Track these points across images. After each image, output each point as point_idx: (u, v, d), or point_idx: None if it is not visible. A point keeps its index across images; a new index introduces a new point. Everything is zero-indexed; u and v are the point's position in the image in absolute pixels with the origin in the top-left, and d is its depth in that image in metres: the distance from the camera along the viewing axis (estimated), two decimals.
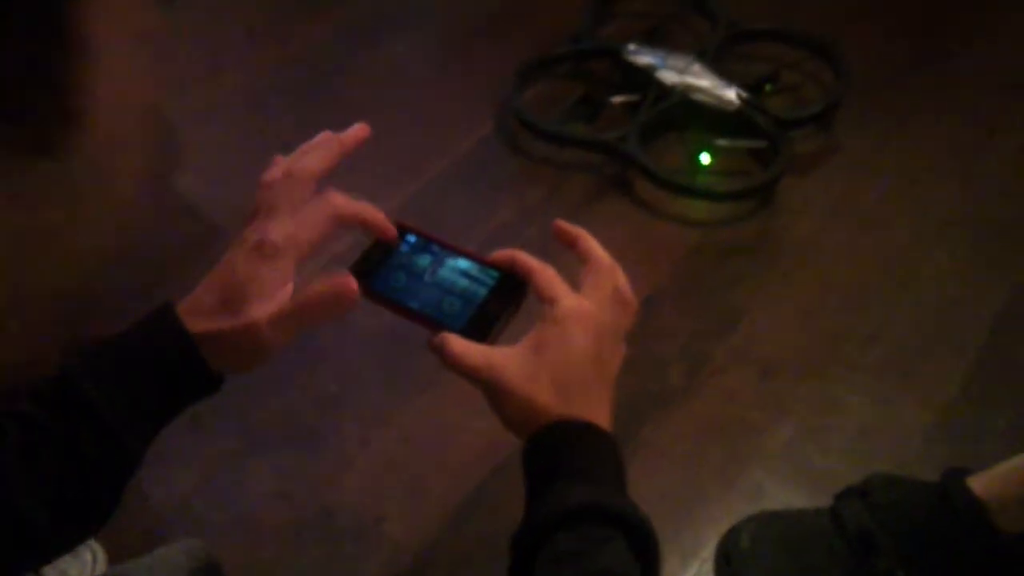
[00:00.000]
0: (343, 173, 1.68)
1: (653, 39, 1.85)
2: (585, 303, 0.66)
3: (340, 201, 0.71)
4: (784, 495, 1.23)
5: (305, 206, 0.69)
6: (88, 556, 1.18)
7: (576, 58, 1.87)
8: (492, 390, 0.65)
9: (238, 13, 2.03)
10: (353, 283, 0.67)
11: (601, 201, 1.64)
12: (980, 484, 0.99)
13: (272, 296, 0.65)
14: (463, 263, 0.72)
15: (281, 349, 0.67)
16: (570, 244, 0.70)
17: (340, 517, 1.25)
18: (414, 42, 1.97)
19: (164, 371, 0.64)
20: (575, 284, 0.69)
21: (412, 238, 0.74)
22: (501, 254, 0.71)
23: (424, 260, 0.73)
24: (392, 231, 0.74)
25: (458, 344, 0.66)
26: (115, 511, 0.63)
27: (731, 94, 1.67)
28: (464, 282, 0.71)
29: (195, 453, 1.31)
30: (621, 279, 0.69)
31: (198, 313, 0.65)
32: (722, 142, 1.67)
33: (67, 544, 0.66)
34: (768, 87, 1.76)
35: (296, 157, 0.75)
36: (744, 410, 1.35)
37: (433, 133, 1.77)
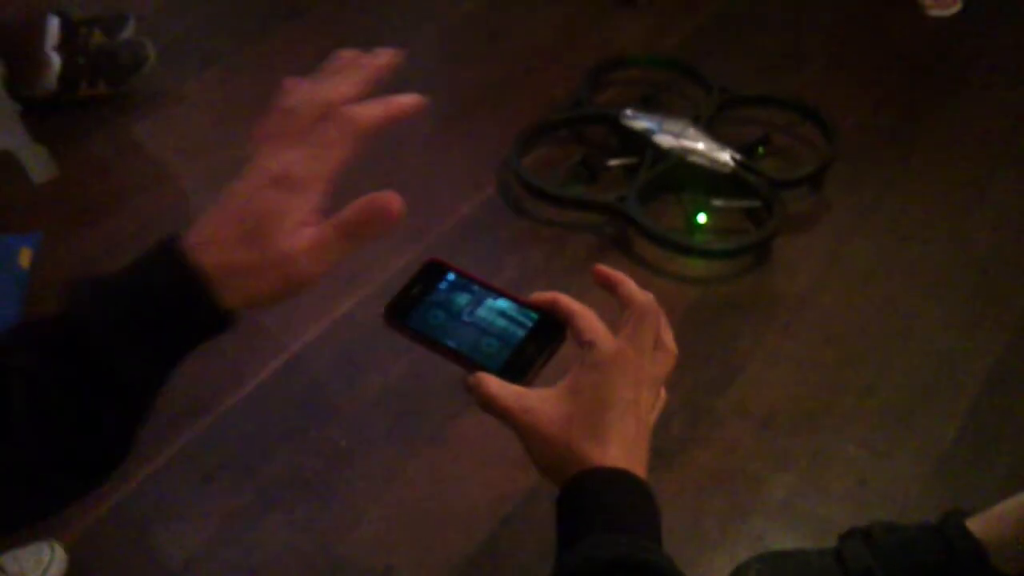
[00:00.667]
0: None
1: (649, 105, 1.91)
2: (625, 348, 0.65)
3: (361, 113, 0.63)
4: (784, 544, 1.25)
5: (321, 128, 0.63)
6: (47, 551, 1.21)
7: (575, 123, 1.93)
8: (527, 433, 0.63)
9: (253, 79, 2.09)
10: (396, 197, 0.62)
11: (602, 260, 1.67)
12: (978, 525, 1.02)
13: (299, 230, 0.60)
14: (502, 303, 0.72)
15: (319, 279, 0.62)
16: (611, 288, 0.69)
17: (350, 569, 1.27)
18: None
19: (170, 307, 0.59)
20: (614, 328, 0.68)
21: (451, 276, 0.74)
22: (541, 295, 0.69)
23: (462, 299, 0.72)
24: (420, 101, 0.68)
25: (494, 384, 0.65)
26: (125, 460, 0.62)
27: (726, 156, 1.73)
28: (502, 322, 0.70)
29: (206, 509, 1.34)
30: (663, 325, 0.68)
31: (211, 244, 0.60)
32: (718, 202, 1.72)
33: (76, 494, 0.64)
34: (760, 150, 1.82)
35: (319, 81, 0.66)
36: (744, 461, 1.38)
37: (438, 196, 1.82)
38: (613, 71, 2.06)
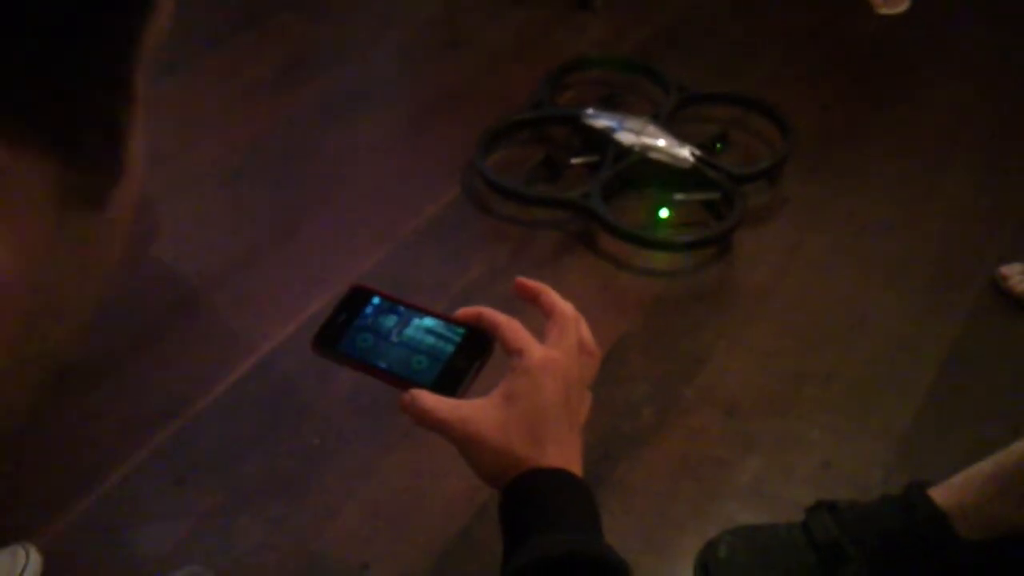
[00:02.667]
0: (323, 233, 1.74)
1: (609, 105, 1.95)
2: (552, 353, 0.67)
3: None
4: None
5: None
6: (22, 555, 1.21)
7: (537, 123, 1.96)
8: (465, 443, 0.65)
9: (213, 88, 2.10)
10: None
11: (568, 256, 1.71)
12: (940, 494, 1.05)
13: None
14: (429, 322, 0.73)
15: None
16: (532, 299, 0.72)
17: (326, 565, 1.28)
18: (382, 114, 2.05)
19: None
20: (540, 336, 0.71)
21: (376, 300, 0.76)
22: (466, 311, 0.72)
23: (389, 321, 0.74)
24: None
25: (428, 399, 0.66)
26: None
27: (685, 152, 1.77)
28: (431, 340, 0.72)
29: (180, 510, 1.34)
30: (584, 329, 0.70)
31: None
32: (679, 197, 1.76)
33: None
34: (719, 146, 1.86)
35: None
36: (712, 447, 1.41)
37: (403, 198, 1.83)
38: (573, 73, 2.09)
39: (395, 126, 2.04)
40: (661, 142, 1.78)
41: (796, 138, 1.86)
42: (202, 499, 1.35)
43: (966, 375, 1.50)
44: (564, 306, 0.70)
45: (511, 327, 0.69)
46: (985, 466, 1.07)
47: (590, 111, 1.87)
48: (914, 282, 1.66)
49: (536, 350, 0.67)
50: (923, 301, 1.63)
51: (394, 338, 0.73)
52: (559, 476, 0.64)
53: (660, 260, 1.69)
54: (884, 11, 2.32)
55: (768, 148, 1.91)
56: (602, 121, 1.84)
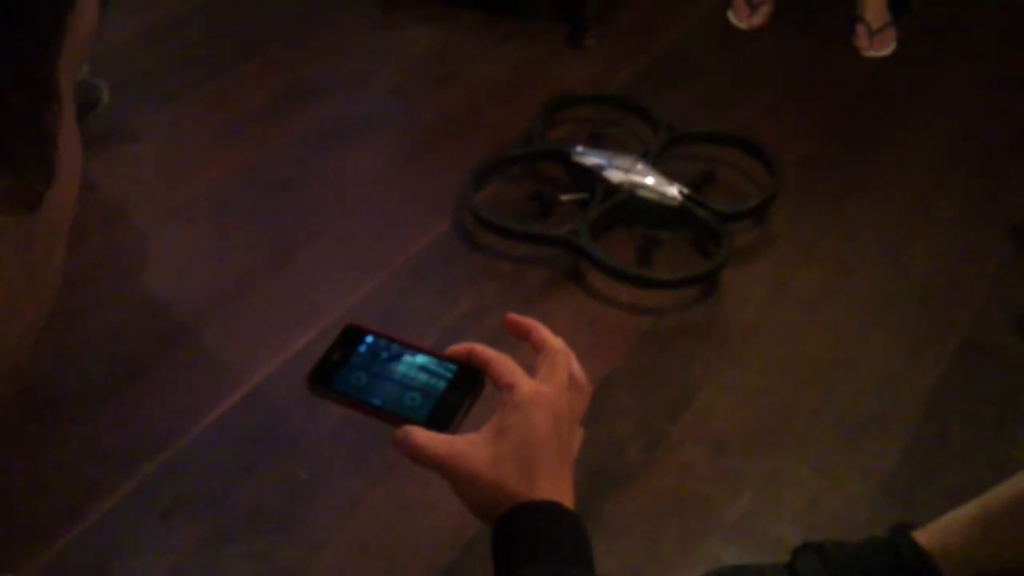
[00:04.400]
0: (313, 265, 1.75)
1: (599, 142, 1.97)
2: (542, 387, 0.68)
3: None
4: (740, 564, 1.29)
5: None
6: None
7: (527, 159, 1.98)
8: (458, 478, 0.66)
9: (207, 118, 2.11)
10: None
11: (556, 292, 1.72)
12: (925, 536, 1.06)
13: None
14: (421, 359, 0.75)
15: None
16: (523, 335, 0.73)
17: None
18: (374, 147, 2.06)
19: None
20: (531, 371, 0.71)
21: (370, 339, 0.77)
22: (457, 347, 0.73)
23: (382, 359, 0.75)
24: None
25: (421, 435, 0.67)
26: None
27: (674, 190, 1.78)
28: (423, 377, 0.73)
29: (166, 545, 1.33)
30: (575, 364, 0.71)
31: None
32: (666, 235, 1.77)
33: None
34: (704, 185, 1.88)
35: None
36: (699, 484, 1.41)
37: (393, 232, 1.84)
38: (564, 109, 2.11)
39: (387, 159, 2.05)
40: (650, 180, 1.80)
41: (782, 176, 1.87)
42: (188, 533, 1.34)
43: (951, 414, 1.51)
44: (554, 341, 0.71)
45: (502, 362, 0.70)
46: (970, 508, 1.08)
47: (579, 148, 1.88)
48: (899, 321, 1.68)
49: (526, 385, 0.68)
50: (908, 340, 1.64)
51: (387, 376, 0.74)
52: (551, 509, 0.65)
53: (648, 297, 1.70)
54: (871, 53, 2.35)
55: (755, 186, 1.93)
56: (592, 158, 1.85)
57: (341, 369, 0.75)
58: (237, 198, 1.92)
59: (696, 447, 1.46)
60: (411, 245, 1.81)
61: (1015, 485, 1.04)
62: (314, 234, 1.82)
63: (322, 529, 1.35)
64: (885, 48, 2.36)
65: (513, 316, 0.74)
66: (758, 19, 2.41)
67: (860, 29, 2.36)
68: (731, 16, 2.44)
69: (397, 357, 0.75)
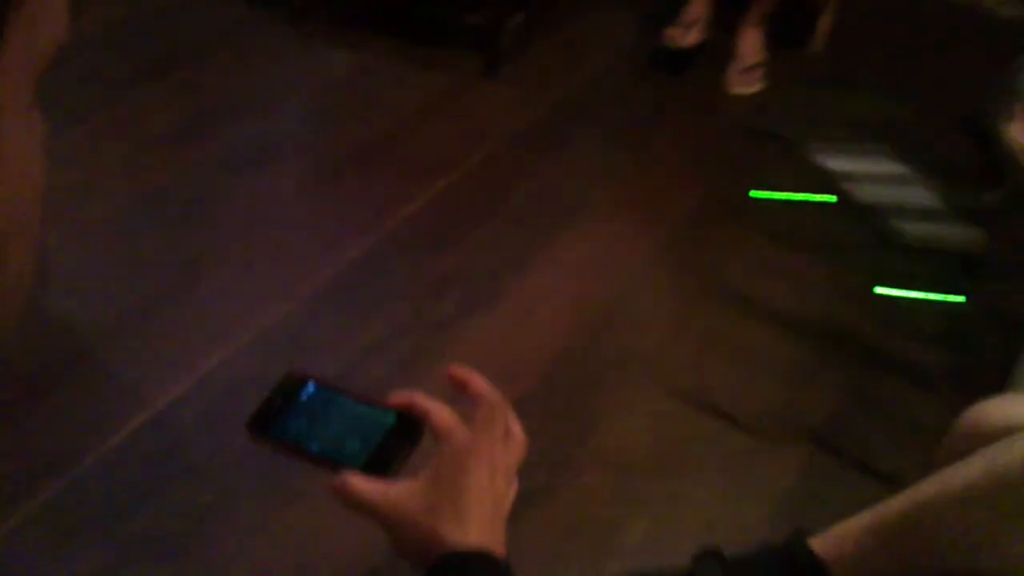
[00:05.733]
0: (224, 287, 1.74)
1: None
2: (479, 437, 0.70)
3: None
4: None
5: None
6: None
7: None
8: (393, 523, 0.67)
9: (116, 138, 2.09)
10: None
11: (469, 317, 1.74)
12: (820, 543, 1.09)
13: None
14: (360, 406, 0.76)
15: None
16: (462, 387, 0.74)
17: None
18: (286, 171, 2.06)
19: None
20: (468, 421, 0.73)
21: (311, 386, 0.78)
22: (398, 396, 0.74)
23: (322, 406, 0.76)
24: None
25: (358, 482, 0.68)
26: None
27: None
28: (362, 424, 0.75)
29: (64, 569, 1.31)
30: (511, 417, 0.73)
31: None
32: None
33: None
34: None
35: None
36: (602, 507, 1.45)
37: (305, 256, 1.85)
38: None
39: (299, 184, 2.05)
40: None
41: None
42: (87, 558, 1.32)
43: (843, 438, 1.58)
44: (492, 394, 0.73)
45: (440, 412, 0.71)
46: (864, 519, 1.10)
47: None
48: (797, 349, 1.75)
49: (463, 434, 0.69)
50: (805, 368, 1.71)
51: (326, 423, 0.75)
52: (482, 558, 0.66)
53: (558, 322, 1.74)
54: (736, 91, 2.43)
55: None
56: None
57: (281, 416, 0.76)
58: (145, 219, 1.90)
59: (600, 471, 1.50)
60: (323, 269, 1.81)
61: (909, 497, 1.06)
62: (223, 257, 1.81)
63: (224, 554, 1.34)
64: (751, 86, 2.44)
65: (454, 368, 0.75)
66: (693, 37, 2.46)
67: (731, 65, 2.43)
68: (665, 40, 2.47)
69: (337, 404, 0.76)
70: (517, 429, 0.74)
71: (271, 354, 1.63)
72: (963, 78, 2.36)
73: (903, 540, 1.06)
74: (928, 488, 1.04)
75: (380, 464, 0.71)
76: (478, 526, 0.67)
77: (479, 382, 0.74)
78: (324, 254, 1.85)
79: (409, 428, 0.73)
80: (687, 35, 2.46)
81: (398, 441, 0.73)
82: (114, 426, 1.48)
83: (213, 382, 1.58)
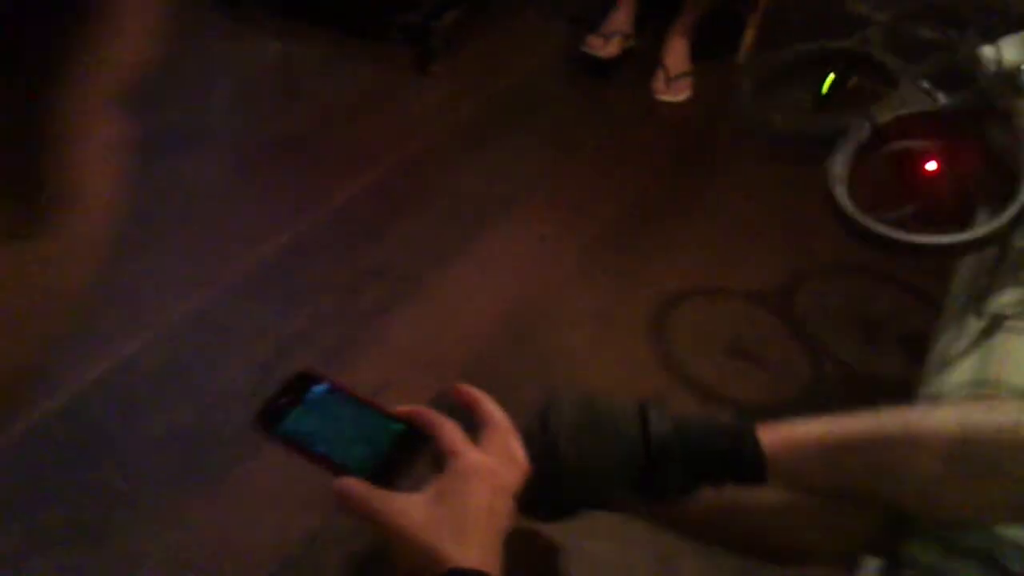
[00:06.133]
0: (142, 273, 1.71)
1: None
2: (484, 459, 0.72)
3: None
4: None
5: None
6: None
7: None
8: (391, 533, 0.68)
9: None
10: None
11: (393, 311, 1.74)
12: (766, 435, 1.00)
13: None
14: (371, 414, 0.77)
15: None
16: (470, 406, 0.78)
17: None
18: (211, 158, 2.03)
19: None
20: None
21: (322, 387, 0.78)
22: (406, 409, 0.76)
23: (332, 408, 0.77)
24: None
25: (363, 488, 0.69)
26: None
27: None
28: (370, 431, 0.75)
29: None
30: (514, 440, 0.76)
31: None
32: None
33: None
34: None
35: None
36: None
37: (227, 244, 1.82)
38: None
39: (224, 170, 2.03)
40: None
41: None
42: None
43: None
44: (500, 417, 0.76)
45: (448, 429, 0.73)
46: (815, 427, 1.02)
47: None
48: (713, 347, 1.79)
49: (470, 455, 0.71)
50: (724, 372, 1.76)
51: (335, 426, 0.76)
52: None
53: (479, 319, 1.75)
54: (664, 98, 2.48)
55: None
56: None
57: (290, 413, 0.76)
58: None
59: None
60: (245, 258, 1.79)
61: (868, 424, 1.00)
62: (143, 243, 1.78)
63: (139, 542, 1.32)
64: (679, 95, 2.49)
65: (462, 386, 0.79)
66: (612, 48, 2.49)
67: (658, 73, 2.48)
68: (585, 47, 2.49)
69: (347, 409, 0.77)
70: (520, 453, 0.76)
71: (190, 342, 1.61)
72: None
73: (849, 461, 1.01)
74: (892, 420, 1.00)
75: (385, 473, 0.72)
76: (477, 546, 0.68)
77: (487, 405, 0.78)
78: (247, 243, 1.83)
79: (415, 440, 0.75)
80: (606, 46, 2.49)
81: (404, 453, 0.74)
82: (24, 411, 1.43)
83: (130, 369, 1.55)
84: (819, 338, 1.84)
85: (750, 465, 0.98)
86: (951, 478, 0.95)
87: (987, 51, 1.52)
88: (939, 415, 1.00)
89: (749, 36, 2.62)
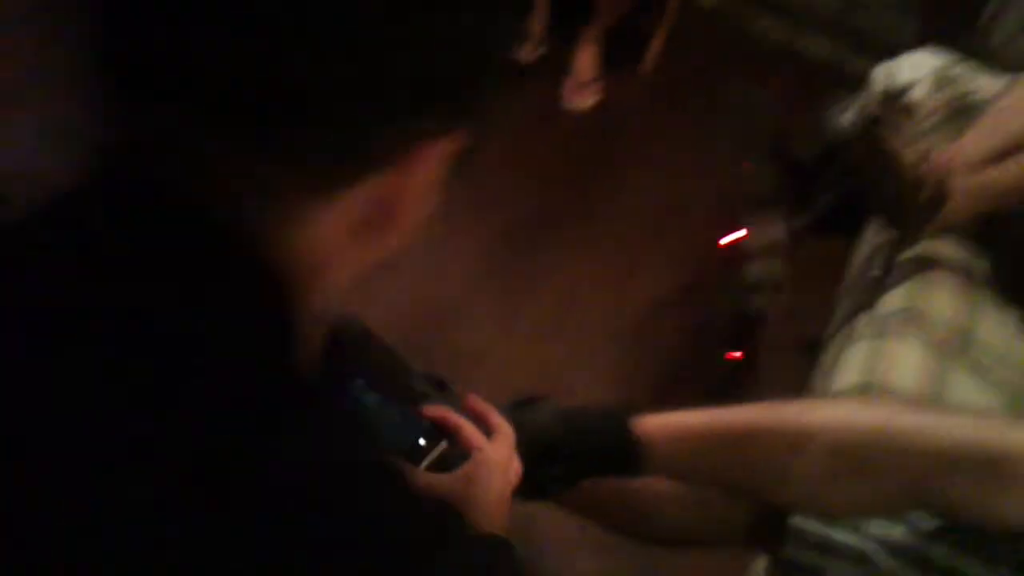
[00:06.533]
0: None
1: None
2: (499, 454, 0.91)
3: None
4: None
5: None
6: None
7: None
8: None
9: None
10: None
11: None
12: (649, 424, 1.03)
13: None
14: (402, 410, 0.91)
15: None
16: (482, 417, 0.94)
17: None
18: None
19: None
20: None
21: (359, 383, 0.91)
22: (432, 410, 0.92)
23: (371, 399, 0.91)
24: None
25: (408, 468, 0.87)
26: None
27: None
28: (403, 423, 0.91)
29: None
30: (512, 447, 0.94)
31: None
32: None
33: None
34: None
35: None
36: None
37: None
38: None
39: None
40: None
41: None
42: None
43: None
44: (506, 427, 0.94)
45: (471, 429, 0.91)
46: (696, 418, 1.05)
47: None
48: (614, 350, 1.84)
49: (492, 450, 0.90)
50: (622, 369, 1.80)
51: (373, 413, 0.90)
52: (503, 540, 0.84)
53: (378, 320, 1.75)
54: (572, 105, 2.49)
55: None
56: None
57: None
58: None
59: None
60: None
61: (744, 417, 1.03)
62: None
63: None
64: (586, 101, 2.50)
65: (474, 399, 0.96)
66: (525, 54, 2.48)
67: (567, 80, 2.50)
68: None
69: (383, 399, 0.91)
70: (516, 457, 0.94)
71: None
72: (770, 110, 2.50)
73: (724, 454, 1.04)
74: (769, 416, 1.03)
75: (416, 457, 0.88)
76: (499, 519, 0.86)
77: (496, 416, 0.95)
78: None
79: (439, 435, 0.91)
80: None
81: (431, 443, 0.90)
82: None
83: None
84: (718, 338, 1.90)
85: (623, 460, 1.02)
86: (824, 474, 0.99)
87: (878, 71, 1.60)
88: (816, 412, 1.03)
89: (655, 46, 2.67)
